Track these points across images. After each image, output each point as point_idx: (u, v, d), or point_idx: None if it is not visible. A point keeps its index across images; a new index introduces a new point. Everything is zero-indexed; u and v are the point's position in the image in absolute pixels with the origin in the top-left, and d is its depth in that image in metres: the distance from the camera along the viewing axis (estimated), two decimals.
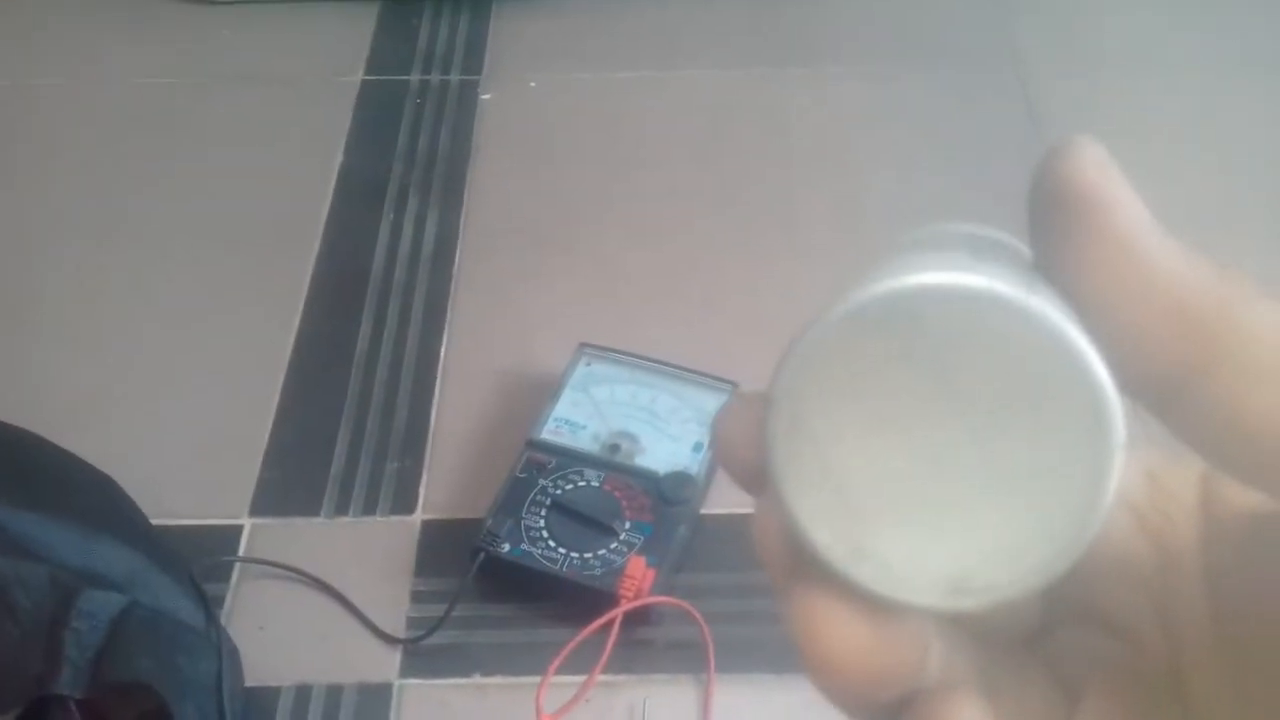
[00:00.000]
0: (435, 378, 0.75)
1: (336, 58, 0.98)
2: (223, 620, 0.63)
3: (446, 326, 0.78)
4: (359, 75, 0.96)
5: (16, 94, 0.94)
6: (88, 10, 1.02)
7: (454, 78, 0.96)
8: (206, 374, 0.76)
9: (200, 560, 0.64)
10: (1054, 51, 0.96)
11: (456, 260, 0.82)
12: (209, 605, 0.58)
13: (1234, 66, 0.95)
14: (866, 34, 0.99)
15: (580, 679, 0.58)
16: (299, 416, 0.73)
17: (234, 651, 0.58)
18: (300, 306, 0.79)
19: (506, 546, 0.62)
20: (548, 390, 0.70)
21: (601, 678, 0.59)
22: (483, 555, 0.62)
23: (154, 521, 0.63)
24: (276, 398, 0.74)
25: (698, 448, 0.67)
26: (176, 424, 0.73)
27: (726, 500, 0.67)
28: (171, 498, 0.68)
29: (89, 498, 0.60)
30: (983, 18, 1.00)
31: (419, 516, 0.68)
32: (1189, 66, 0.95)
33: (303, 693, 0.60)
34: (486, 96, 0.94)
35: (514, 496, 0.64)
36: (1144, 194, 0.17)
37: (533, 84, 0.95)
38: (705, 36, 0.99)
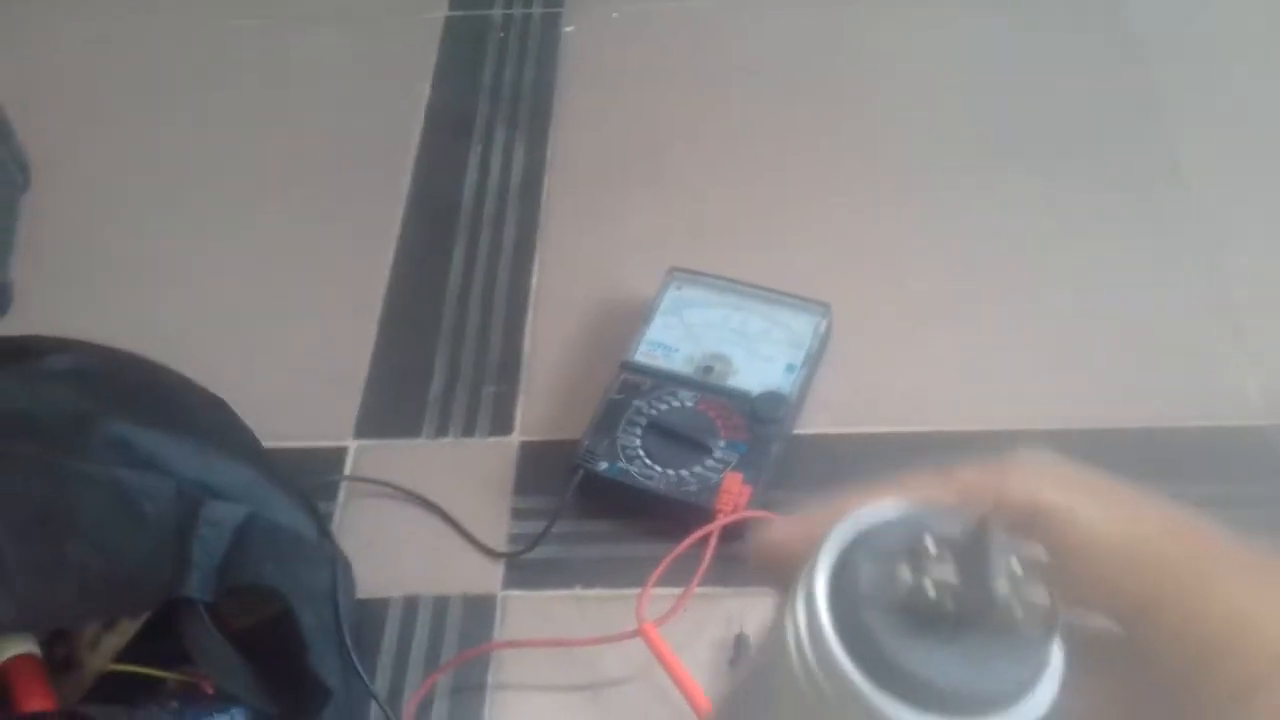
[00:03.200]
0: (527, 305, 0.76)
1: None
2: (333, 533, 0.65)
3: (537, 256, 0.79)
4: (443, 11, 0.97)
5: (112, 39, 0.96)
6: None
7: (536, 10, 0.96)
8: (307, 305, 0.78)
9: (309, 479, 0.66)
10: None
11: (544, 191, 0.83)
12: (321, 519, 0.61)
13: None
14: None
15: (678, 591, 0.60)
16: (397, 344, 0.75)
17: (346, 563, 0.61)
18: (394, 239, 0.81)
19: (604, 464, 0.64)
20: (639, 315, 0.71)
21: (699, 590, 0.60)
22: (581, 473, 0.63)
23: (265, 444, 0.65)
24: (375, 327, 0.76)
25: (790, 368, 0.67)
26: (280, 353, 0.75)
27: (818, 420, 0.68)
28: (278, 422, 0.70)
29: (205, 417, 0.62)
30: None
31: (517, 437, 0.69)
32: None
33: (411, 603, 0.63)
34: (570, 29, 0.94)
35: (610, 416, 0.66)
36: None
37: (615, 15, 0.95)
38: None
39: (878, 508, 0.20)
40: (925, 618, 0.18)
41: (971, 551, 0.18)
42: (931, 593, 0.18)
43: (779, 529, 0.23)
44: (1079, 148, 0.82)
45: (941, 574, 0.18)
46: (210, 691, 0.54)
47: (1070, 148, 0.82)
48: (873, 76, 0.88)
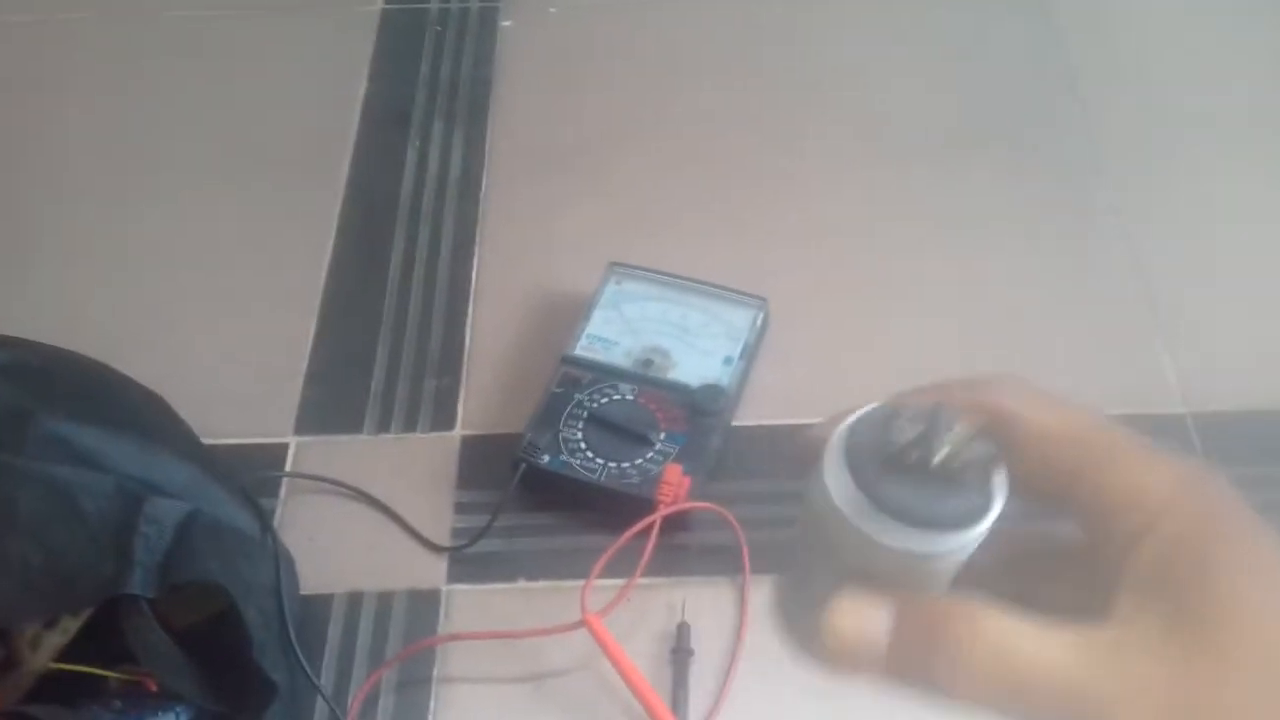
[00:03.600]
0: (468, 299, 0.77)
1: None
2: (275, 530, 0.65)
3: (477, 249, 0.79)
4: (379, 4, 0.96)
5: (48, 28, 0.94)
6: None
7: (473, 4, 0.96)
8: (245, 298, 0.77)
9: (249, 475, 0.66)
10: None
11: (484, 185, 0.83)
12: (263, 515, 0.61)
13: None
14: None
15: (621, 582, 0.61)
16: (337, 338, 0.75)
17: (289, 559, 0.61)
18: (332, 232, 0.81)
19: (546, 458, 0.64)
20: (579, 309, 0.71)
21: (642, 580, 0.61)
22: (524, 466, 0.64)
23: (203, 441, 0.65)
24: (314, 320, 0.76)
25: (728, 361, 0.69)
26: (218, 347, 0.75)
27: (756, 412, 0.69)
28: (217, 418, 0.70)
29: (144, 414, 0.61)
30: None
31: (459, 432, 0.70)
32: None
33: (355, 599, 0.63)
34: (507, 23, 0.94)
35: (551, 411, 0.66)
36: None
37: (553, 9, 0.95)
38: None
39: (877, 406, 0.28)
40: (902, 468, 0.26)
41: (929, 422, 0.26)
42: (898, 448, 0.26)
43: (817, 428, 0.29)
44: (1007, 134, 0.84)
45: (906, 435, 0.26)
46: (154, 690, 0.53)
47: (998, 134, 0.84)
48: (808, 66, 0.90)
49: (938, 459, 0.26)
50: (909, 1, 0.94)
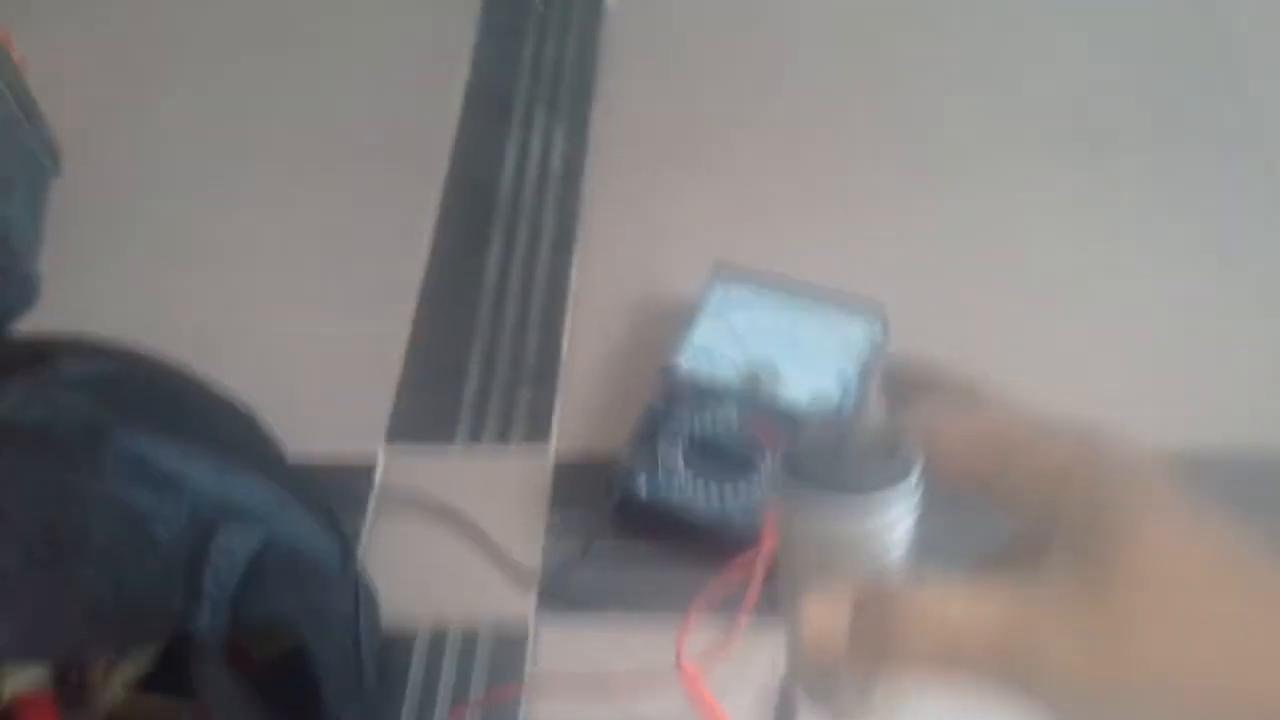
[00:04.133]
0: (566, 302, 0.72)
1: None
2: (360, 555, 0.62)
3: (577, 248, 0.75)
4: None
5: (141, 17, 0.93)
6: None
7: None
8: (340, 298, 0.74)
9: (338, 490, 0.63)
10: None
11: (585, 179, 0.79)
12: (347, 542, 0.58)
13: None
14: None
15: (722, 622, 0.56)
16: (432, 342, 0.72)
17: (371, 592, 0.58)
18: (430, 228, 0.77)
19: (643, 485, 0.60)
20: (683, 314, 0.66)
21: (745, 622, 0.56)
22: (619, 493, 0.60)
23: (290, 448, 0.62)
24: (409, 323, 0.73)
25: (842, 377, 0.63)
26: (310, 350, 0.72)
27: None
28: (307, 424, 0.67)
29: (228, 428, 0.59)
30: None
31: (554, 444, 0.66)
32: None
33: (439, 633, 0.60)
34: (612, 3, 0.89)
35: (650, 429, 0.62)
36: None
37: None
38: None
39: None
40: (827, 454, 0.29)
41: (848, 422, 0.30)
42: (818, 436, 0.30)
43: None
44: (1152, 135, 0.76)
45: (835, 430, 0.30)
46: None
47: (1142, 136, 0.76)
48: (935, 58, 0.82)
49: (860, 441, 0.29)
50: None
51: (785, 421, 0.61)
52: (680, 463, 0.60)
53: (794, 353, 0.64)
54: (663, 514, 0.59)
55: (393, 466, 0.66)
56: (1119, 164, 0.74)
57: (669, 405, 0.63)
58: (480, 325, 0.72)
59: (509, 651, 0.58)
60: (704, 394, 0.63)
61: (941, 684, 0.27)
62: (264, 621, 0.49)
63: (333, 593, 0.54)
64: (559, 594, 0.60)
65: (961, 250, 0.71)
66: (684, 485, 0.60)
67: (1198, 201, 0.72)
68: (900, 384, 0.32)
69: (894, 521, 0.29)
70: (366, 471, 0.66)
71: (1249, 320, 0.67)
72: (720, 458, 0.60)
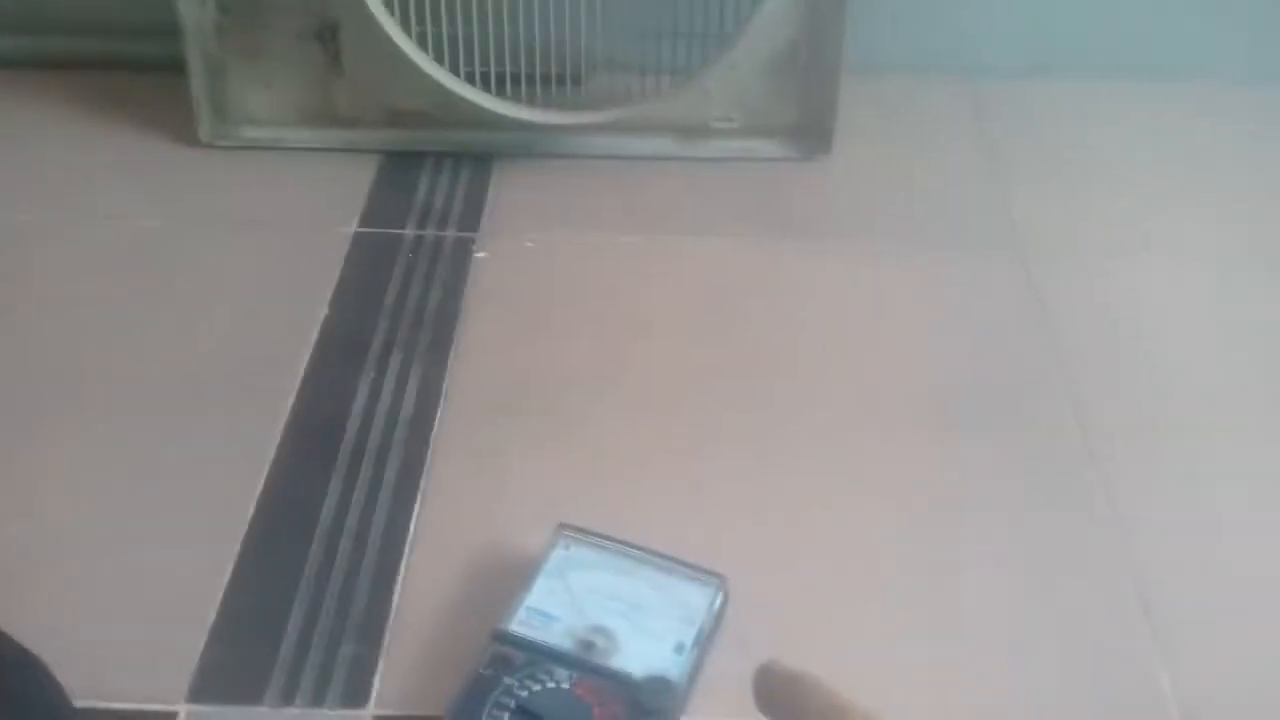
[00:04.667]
0: (402, 553, 0.70)
1: (332, 207, 0.95)
2: None
3: (419, 496, 0.73)
4: (353, 226, 0.94)
5: (2, 228, 0.91)
6: (83, 148, 1.01)
7: (450, 233, 0.93)
8: (159, 532, 0.70)
9: None
10: (1055, 234, 0.94)
11: (436, 425, 0.78)
12: None
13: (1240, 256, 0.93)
14: (866, 211, 0.97)
15: None
16: (253, 586, 0.68)
17: None
18: (267, 465, 0.75)
19: None
20: (522, 572, 0.64)
21: None
22: None
23: (81, 703, 0.57)
24: (232, 563, 0.69)
25: (680, 648, 0.61)
26: (119, 588, 0.67)
27: (710, 709, 0.61)
28: (103, 673, 0.62)
29: (9, 683, 0.54)
30: (984, 201, 0.98)
31: (371, 711, 0.62)
32: (1192, 255, 0.92)
33: None
34: (482, 254, 0.91)
35: (475, 696, 0.58)
36: None
37: (529, 243, 0.92)
38: (708, 205, 0.97)
39: None
40: None
41: None
42: None
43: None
44: (991, 413, 0.79)
45: None
46: None
47: (983, 413, 0.79)
48: (790, 323, 0.86)
49: None
50: (897, 263, 0.91)
51: (619, 688, 0.58)
52: None
53: (632, 619, 0.63)
54: None
55: None
56: (952, 450, 0.77)
57: (497, 671, 0.60)
58: (308, 573, 0.68)
59: None
60: (535, 660, 0.60)
61: None
62: None
63: None
64: None
65: (807, 526, 0.72)
66: None
67: (1023, 494, 0.75)
68: (766, 695, 0.35)
69: None
70: None
71: (1065, 618, 0.68)
72: None
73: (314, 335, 0.84)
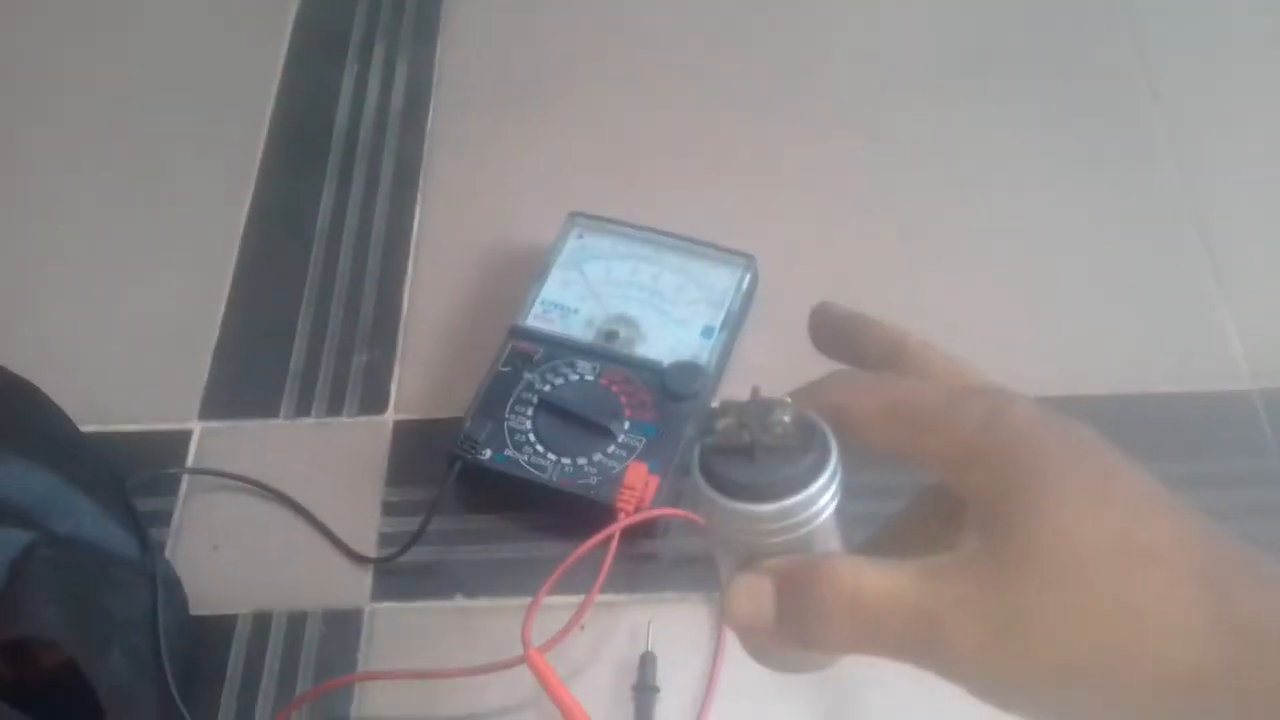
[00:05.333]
0: (408, 254, 0.66)
1: None
2: (170, 539, 0.55)
3: (419, 194, 0.68)
4: None
5: None
6: None
7: None
8: (149, 253, 0.67)
9: (141, 473, 0.56)
10: None
11: (430, 117, 0.72)
12: (144, 531, 0.51)
13: None
14: None
15: (575, 599, 0.51)
16: (254, 301, 0.64)
17: (174, 582, 0.51)
18: (254, 174, 0.70)
19: (488, 452, 0.54)
20: (534, 268, 0.60)
21: (601, 597, 0.51)
22: (460, 463, 0.54)
23: (87, 429, 0.55)
24: (229, 280, 0.65)
25: (708, 332, 0.58)
26: (114, 313, 0.64)
27: (741, 391, 0.59)
28: (107, 400, 0.60)
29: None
30: None
31: (390, 416, 0.60)
32: None
33: (261, 620, 0.53)
34: None
35: (496, 394, 0.56)
36: None
37: None
38: None
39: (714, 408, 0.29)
40: (742, 455, 0.28)
41: (758, 410, 0.28)
42: (730, 435, 0.28)
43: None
44: (1041, 71, 0.72)
45: (734, 423, 0.28)
46: None
47: (1032, 71, 0.72)
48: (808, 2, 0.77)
49: (764, 436, 0.28)
50: None
51: (646, 376, 0.56)
52: (529, 427, 0.55)
53: (655, 306, 0.59)
54: (510, 486, 0.53)
55: (208, 444, 0.59)
56: (998, 108, 0.70)
57: (516, 367, 0.57)
58: (311, 282, 0.65)
59: (340, 640, 0.52)
60: (555, 354, 0.57)
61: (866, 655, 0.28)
62: (28, 633, 0.42)
63: (125, 589, 0.47)
64: (396, 576, 0.54)
65: (833, 197, 0.67)
66: (533, 452, 0.54)
67: (1080, 144, 0.68)
68: (824, 333, 0.33)
69: (813, 517, 0.29)
70: (178, 449, 0.58)
71: (1126, 264, 0.63)
72: (572, 422, 0.55)
73: (288, 30, 0.76)
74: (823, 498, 0.29)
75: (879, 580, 0.28)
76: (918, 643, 0.28)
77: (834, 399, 0.30)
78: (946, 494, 0.30)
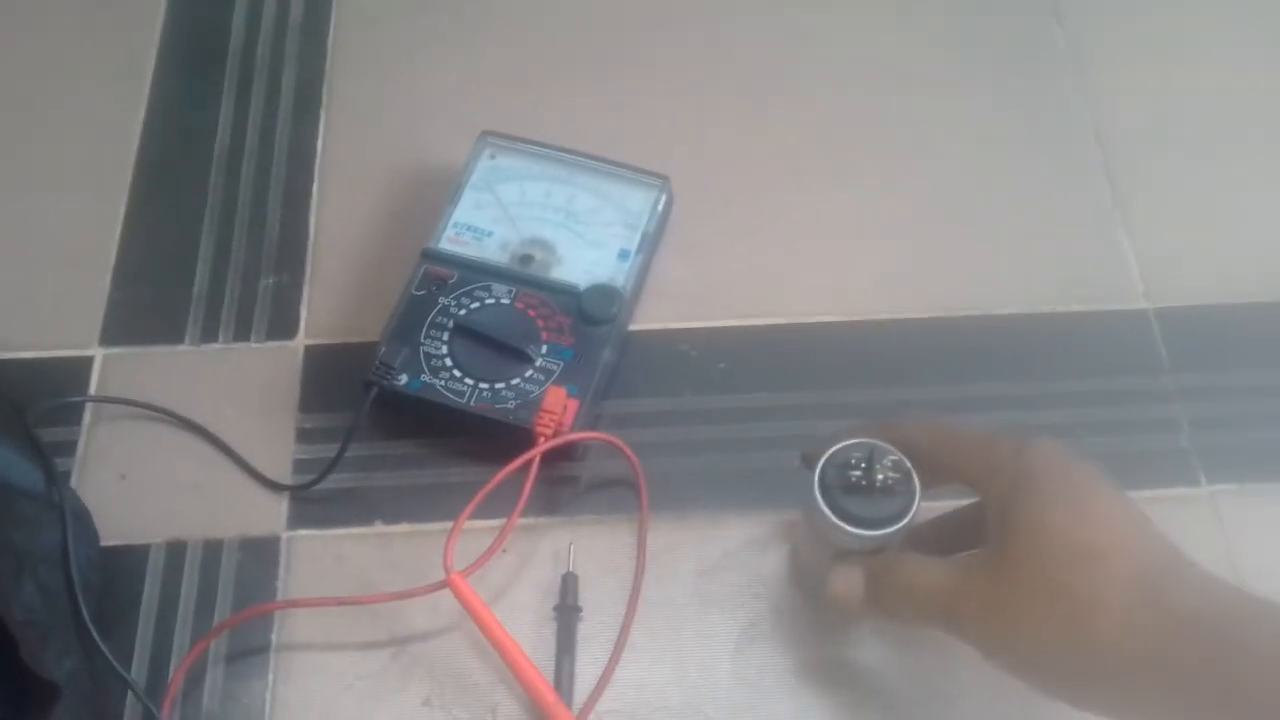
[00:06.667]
0: (312, 174, 0.64)
1: None
2: (75, 470, 0.54)
3: (323, 110, 0.66)
4: None
5: None
6: None
7: None
8: (37, 174, 0.63)
9: (42, 403, 0.54)
10: None
11: (331, 29, 0.69)
12: (49, 462, 0.49)
13: None
14: None
15: (496, 523, 0.51)
16: (152, 223, 0.62)
17: (83, 513, 0.50)
18: (145, 90, 0.67)
19: (404, 378, 0.54)
20: (445, 189, 0.59)
21: (522, 520, 0.52)
22: (376, 389, 0.53)
23: None
24: (124, 200, 0.63)
25: (624, 255, 0.58)
26: (4, 236, 0.61)
27: (656, 314, 0.59)
28: (2, 327, 0.58)
29: None
30: None
31: (301, 341, 0.58)
32: None
33: (175, 549, 0.52)
34: None
35: (410, 318, 0.55)
36: None
37: None
38: None
39: (838, 448, 0.44)
40: (854, 488, 0.43)
41: (868, 456, 0.43)
42: (852, 477, 0.43)
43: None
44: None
45: (853, 467, 0.44)
46: None
47: None
48: None
49: (875, 480, 0.43)
50: None
51: (562, 299, 0.55)
52: (445, 352, 0.54)
53: (570, 228, 0.58)
54: (427, 408, 0.53)
55: (111, 371, 0.57)
56: (907, 24, 0.71)
57: (431, 291, 0.56)
58: (212, 203, 0.63)
59: (258, 568, 0.52)
60: (470, 277, 0.56)
61: (913, 627, 0.44)
62: None
63: (33, 523, 0.46)
64: (313, 504, 0.54)
65: (756, 116, 0.66)
66: (449, 377, 0.54)
67: (985, 64, 0.69)
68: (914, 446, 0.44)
69: (897, 534, 0.43)
70: (79, 377, 0.57)
71: (1027, 184, 0.65)
72: (489, 346, 0.54)
73: None
74: (907, 524, 0.43)
75: (927, 573, 0.41)
76: (945, 618, 0.40)
77: (908, 435, 0.43)
78: (982, 506, 0.41)
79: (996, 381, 0.58)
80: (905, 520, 0.43)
